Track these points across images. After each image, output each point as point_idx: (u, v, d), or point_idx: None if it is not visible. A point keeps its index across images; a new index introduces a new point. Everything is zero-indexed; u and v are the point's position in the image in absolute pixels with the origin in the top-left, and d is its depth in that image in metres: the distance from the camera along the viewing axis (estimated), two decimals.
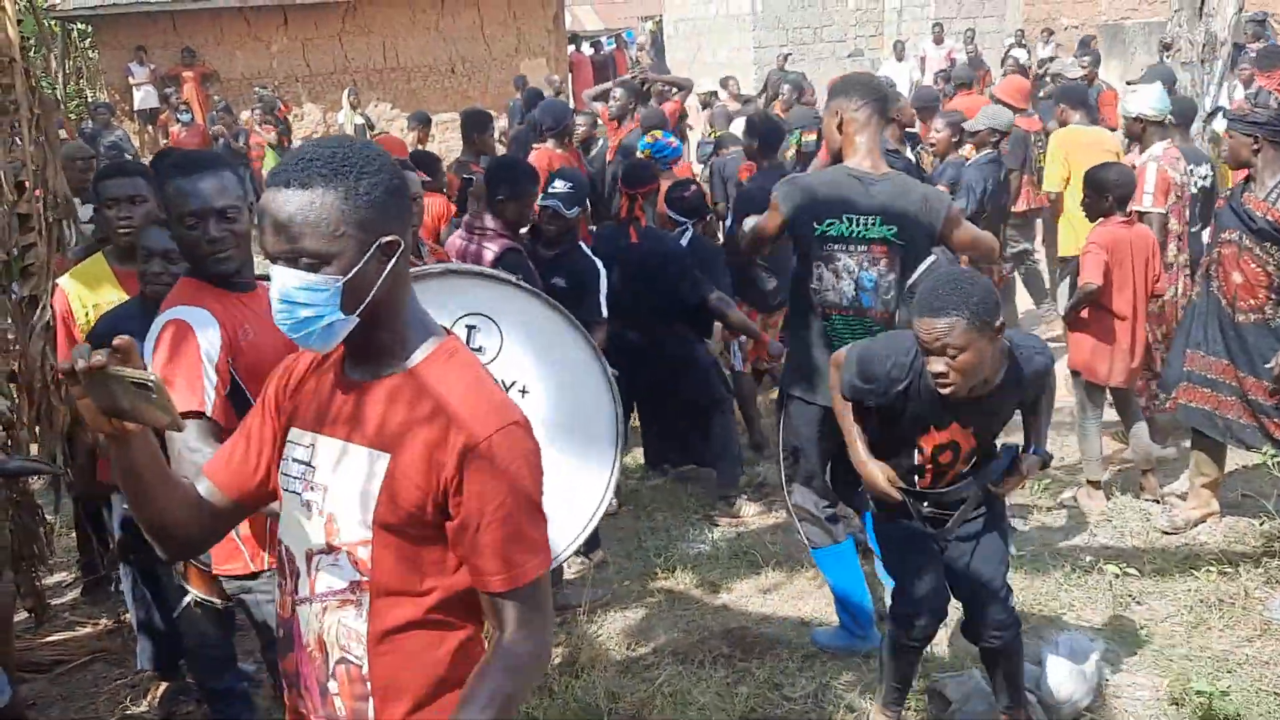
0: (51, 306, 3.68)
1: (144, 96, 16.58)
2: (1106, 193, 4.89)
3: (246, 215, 2.60)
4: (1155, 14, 17.14)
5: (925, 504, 3.22)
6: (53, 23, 16.62)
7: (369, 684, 1.69)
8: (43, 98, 3.74)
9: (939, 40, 17.30)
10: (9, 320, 3.82)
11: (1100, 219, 4.95)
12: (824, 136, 3.87)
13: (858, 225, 3.58)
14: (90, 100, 17.05)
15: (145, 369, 1.52)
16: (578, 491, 3.17)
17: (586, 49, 23.39)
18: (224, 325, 2.55)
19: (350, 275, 1.59)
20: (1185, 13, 7.21)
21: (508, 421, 1.64)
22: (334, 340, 1.65)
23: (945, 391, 2.85)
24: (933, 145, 6.75)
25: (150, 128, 16.52)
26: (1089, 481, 5.11)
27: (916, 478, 3.19)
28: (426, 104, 15.32)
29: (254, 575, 2.73)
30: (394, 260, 1.63)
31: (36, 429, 3.82)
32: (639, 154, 6.54)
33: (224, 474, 1.82)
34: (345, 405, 1.71)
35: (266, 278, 2.73)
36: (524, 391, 3.05)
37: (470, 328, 2.95)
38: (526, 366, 3.04)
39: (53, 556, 4.67)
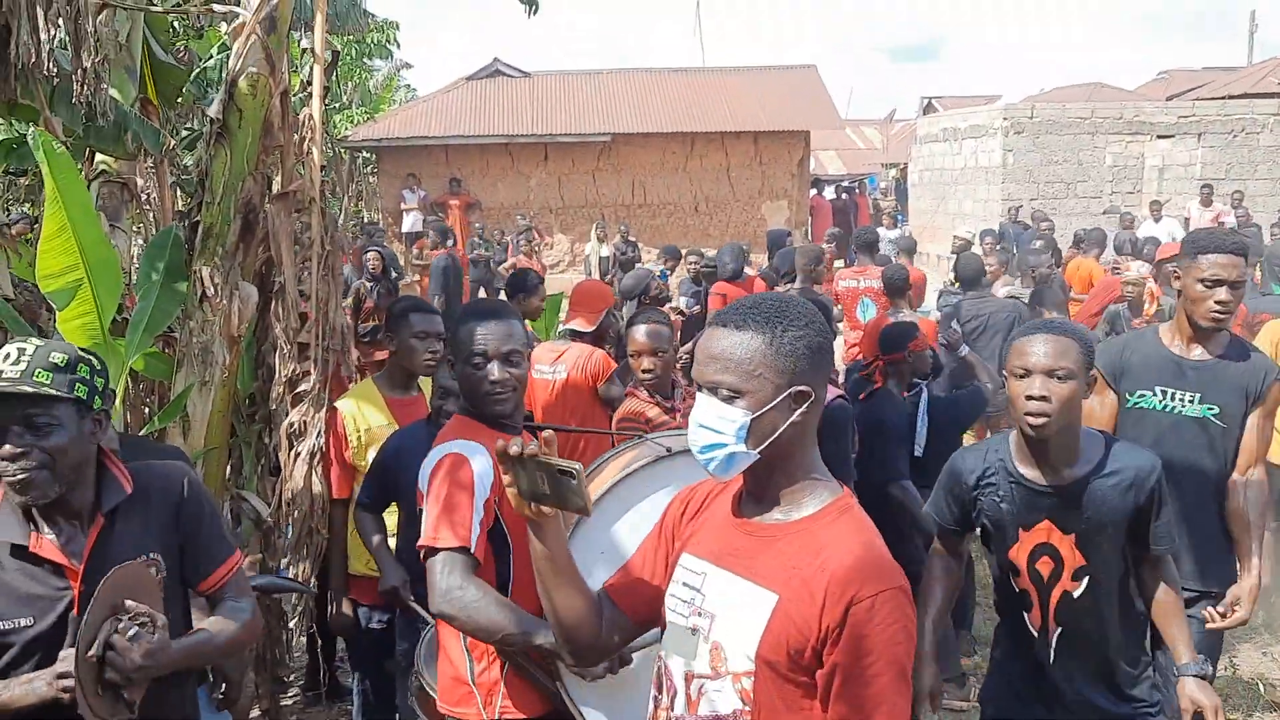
0: (334, 428, 3.84)
1: (413, 221, 17.95)
2: None
3: (527, 362, 2.68)
4: None
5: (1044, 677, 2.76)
6: (342, 151, 18.32)
7: None
8: (335, 237, 4.03)
9: (1207, 202, 16.13)
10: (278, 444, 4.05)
11: None
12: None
13: None
14: (365, 221, 18.59)
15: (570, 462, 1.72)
16: None
17: (829, 193, 23.65)
18: (497, 464, 2.59)
19: (759, 413, 1.71)
20: None
21: (893, 585, 1.67)
22: (734, 469, 1.75)
23: (1037, 424, 2.57)
24: None
25: (413, 249, 17.80)
26: None
27: (1026, 614, 2.78)
28: (669, 239, 15.83)
29: None
30: (803, 409, 1.73)
31: (303, 548, 4.00)
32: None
33: (620, 589, 1.95)
34: (740, 541, 1.80)
35: (538, 426, 2.82)
36: None
37: None
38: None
39: (291, 661, 4.87)
